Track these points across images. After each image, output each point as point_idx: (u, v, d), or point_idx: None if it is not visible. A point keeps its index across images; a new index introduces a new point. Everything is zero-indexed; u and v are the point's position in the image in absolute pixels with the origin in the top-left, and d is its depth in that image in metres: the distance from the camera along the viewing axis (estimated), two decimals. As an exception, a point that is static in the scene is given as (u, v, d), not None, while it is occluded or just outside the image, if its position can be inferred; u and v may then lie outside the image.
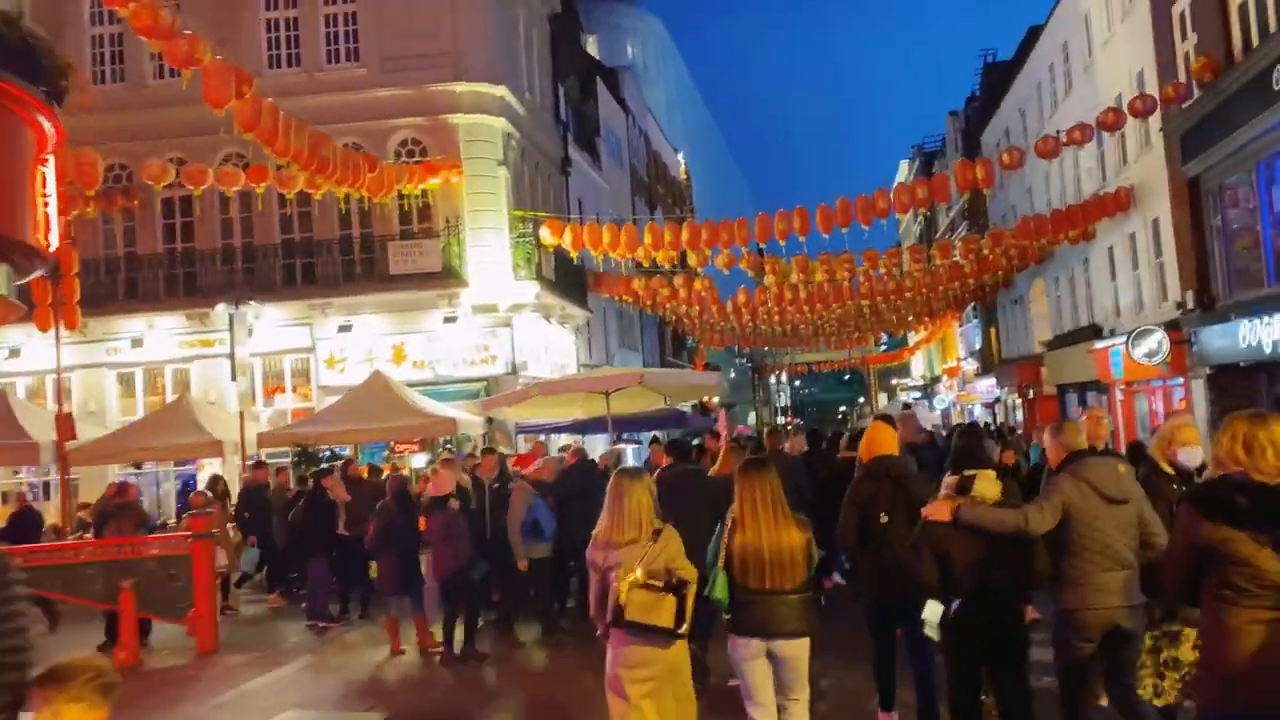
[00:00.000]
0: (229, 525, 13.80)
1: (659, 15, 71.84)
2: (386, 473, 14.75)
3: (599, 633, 5.12)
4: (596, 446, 18.55)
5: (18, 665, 3.12)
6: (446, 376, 20.36)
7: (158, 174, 14.68)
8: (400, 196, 18.19)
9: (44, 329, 14.40)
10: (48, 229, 6.59)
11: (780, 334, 34.41)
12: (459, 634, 9.50)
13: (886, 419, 7.28)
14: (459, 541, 9.44)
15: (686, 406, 22.18)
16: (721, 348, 43.58)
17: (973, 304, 37.66)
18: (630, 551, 4.94)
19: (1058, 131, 17.47)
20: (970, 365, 45.86)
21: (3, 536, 12.97)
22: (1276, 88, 12.84)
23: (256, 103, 11.39)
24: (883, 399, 67.74)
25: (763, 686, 5.23)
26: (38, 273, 7.46)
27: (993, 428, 26.87)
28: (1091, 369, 22.36)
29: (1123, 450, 11.60)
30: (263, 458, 16.30)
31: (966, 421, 30.56)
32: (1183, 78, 16.26)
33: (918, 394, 62.48)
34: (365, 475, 13.94)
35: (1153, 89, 17.25)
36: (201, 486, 19.40)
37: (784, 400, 76.34)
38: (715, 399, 33.11)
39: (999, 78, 33.84)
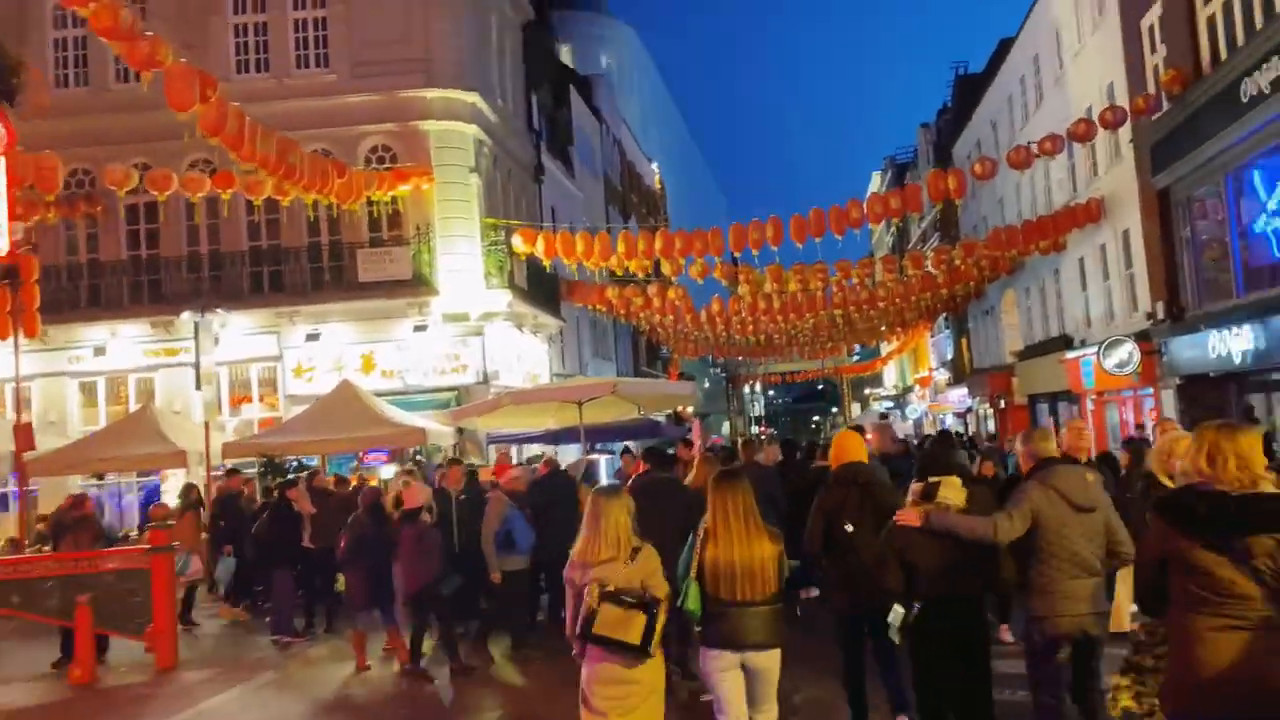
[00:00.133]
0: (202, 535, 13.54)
1: (633, 26, 71.93)
2: (354, 484, 14.52)
3: (575, 650, 5.07)
4: (569, 457, 18.38)
5: None
6: (416, 386, 20.14)
7: (120, 179, 14.39)
8: (370, 203, 18.00)
9: (3, 336, 14.10)
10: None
11: (754, 344, 34.41)
12: (427, 647, 9.28)
13: (858, 429, 7.27)
14: (430, 556, 9.21)
15: (660, 416, 22.11)
16: (696, 357, 43.52)
17: (944, 314, 37.86)
18: (607, 570, 4.93)
19: (1029, 142, 17.55)
20: (942, 375, 46.11)
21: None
22: (1244, 100, 12.93)
23: (221, 106, 11.17)
24: (856, 409, 68.05)
25: (735, 699, 5.19)
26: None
27: (965, 438, 26.95)
28: (1062, 379, 22.48)
29: (1093, 459, 11.59)
30: (230, 468, 15.99)
31: (938, 431, 30.63)
32: (1152, 90, 16.39)
33: (890, 404, 62.81)
34: (332, 486, 13.67)
35: (1123, 101, 17.37)
36: (167, 497, 19.08)
37: (758, 410, 76.48)
38: (689, 409, 32.99)
39: (970, 90, 34.08)
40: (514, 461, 16.73)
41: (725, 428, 59.49)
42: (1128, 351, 17.18)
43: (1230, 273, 14.78)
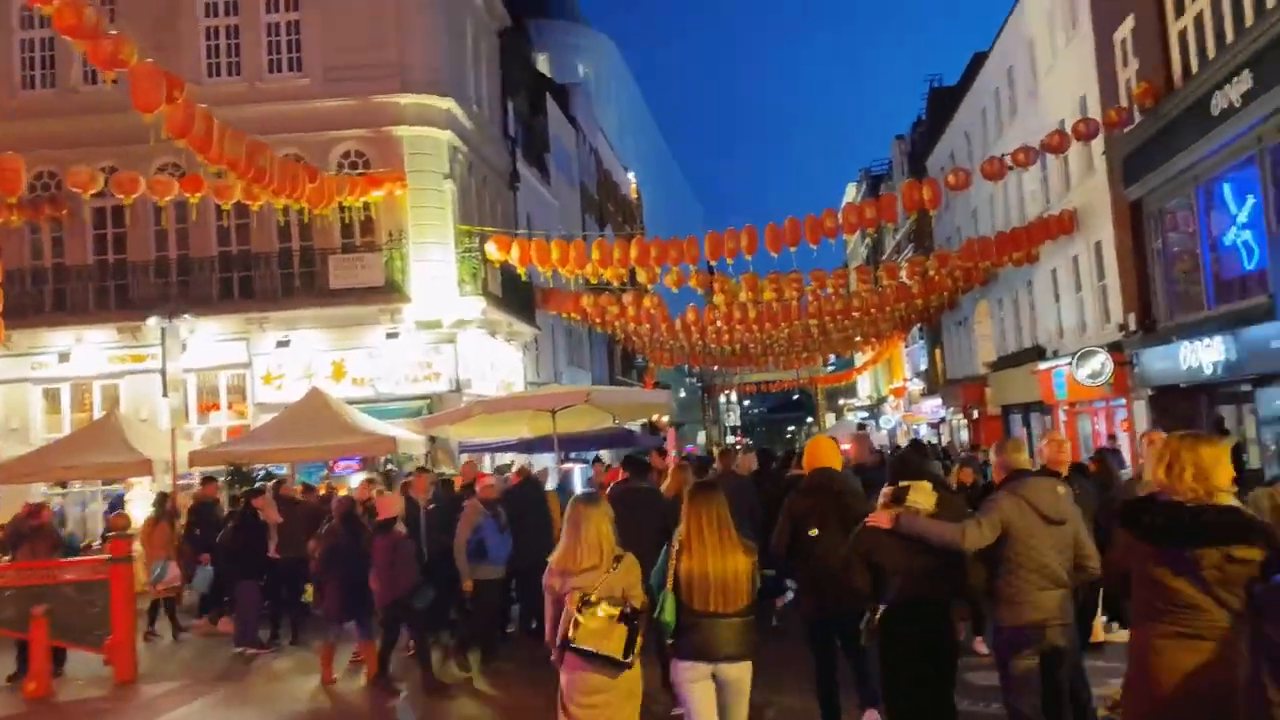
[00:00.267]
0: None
1: (611, 36, 72.03)
2: (322, 493, 14.29)
3: (553, 657, 5.08)
4: (541, 466, 18.20)
5: None
6: (388, 394, 19.90)
7: (85, 181, 14.07)
8: (342, 209, 17.74)
9: (-38, 341, 13.74)
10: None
11: (729, 353, 34.40)
12: (389, 663, 9.09)
13: (832, 439, 7.30)
14: (405, 567, 9.00)
15: (635, 425, 21.95)
16: (671, 366, 43.51)
17: (918, 325, 38.04)
18: (589, 578, 4.93)
19: (1003, 154, 17.63)
20: (916, 386, 46.32)
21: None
22: (1215, 113, 13.03)
23: (188, 108, 10.95)
24: (830, 419, 68.21)
25: (706, 711, 5.18)
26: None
27: (939, 448, 27.03)
28: (1035, 390, 22.59)
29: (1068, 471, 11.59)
30: (206, 475, 15.68)
31: (910, 440, 30.72)
32: (1125, 103, 16.51)
33: (864, 414, 63.02)
34: (299, 495, 13.44)
35: (1095, 113, 17.48)
36: (131, 507, 18.70)
37: (733, 420, 76.45)
38: (664, 418, 32.93)
39: (945, 103, 34.30)
40: (478, 470, 16.53)
41: (701, 437, 59.45)
42: (1100, 362, 17.26)
43: (1201, 285, 14.88)
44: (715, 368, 45.55)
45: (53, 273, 20.06)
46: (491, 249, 19.02)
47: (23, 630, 9.93)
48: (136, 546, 12.30)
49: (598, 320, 25.71)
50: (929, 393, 42.11)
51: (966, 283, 25.86)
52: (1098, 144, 17.90)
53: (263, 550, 11.74)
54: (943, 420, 40.17)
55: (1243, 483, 4.56)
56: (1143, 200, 16.46)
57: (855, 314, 27.72)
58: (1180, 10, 14.87)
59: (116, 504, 18.67)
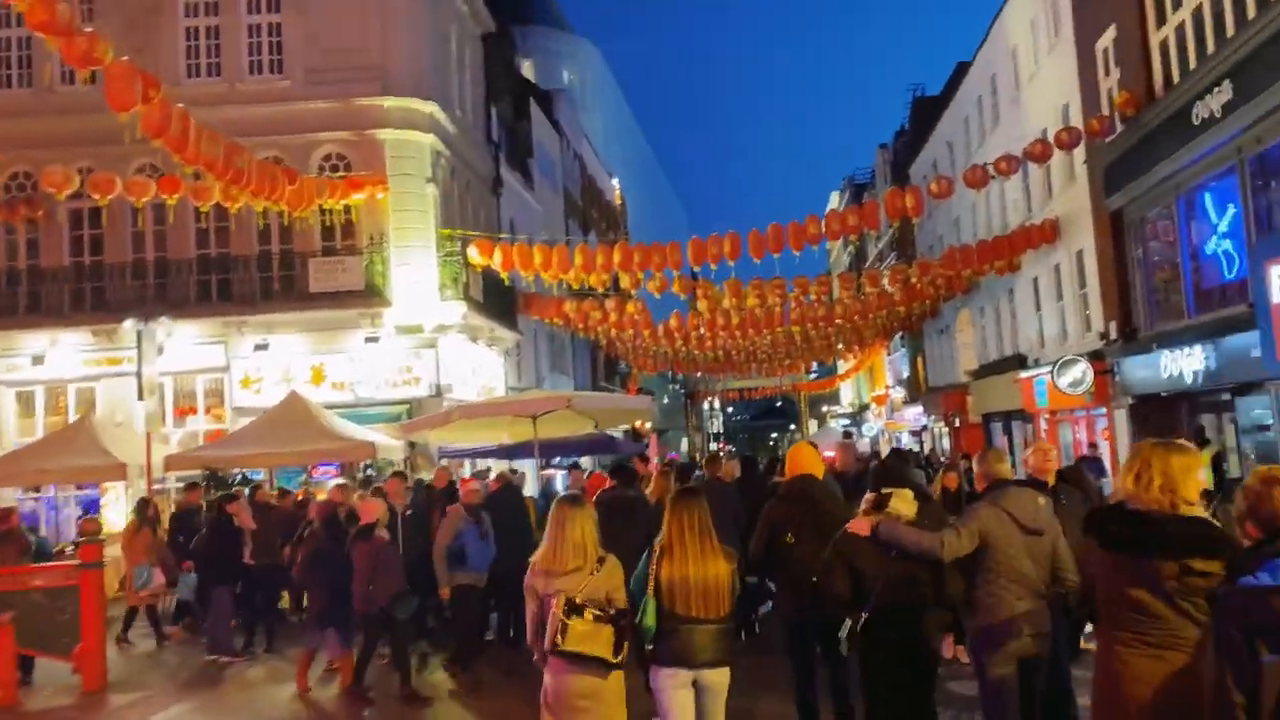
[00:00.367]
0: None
1: (596, 42, 71.99)
2: (299, 498, 14.11)
3: (535, 658, 5.07)
4: (522, 471, 18.03)
5: None
6: (367, 399, 19.72)
7: (59, 181, 13.89)
8: (322, 212, 17.59)
9: (-68, 343, 13.51)
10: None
11: (713, 359, 34.35)
12: (365, 672, 8.93)
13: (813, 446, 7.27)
14: (385, 575, 8.76)
15: (617, 432, 21.85)
16: (655, 372, 43.38)
17: (901, 333, 38.10)
18: (573, 580, 4.93)
19: (985, 163, 17.66)
20: (898, 393, 46.38)
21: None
22: (1196, 123, 13.09)
23: (165, 107, 10.81)
24: (813, 426, 68.25)
25: (684, 717, 5.14)
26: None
27: (921, 456, 27.04)
28: (1016, 398, 22.63)
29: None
30: (190, 482, 15.47)
31: (892, 448, 30.74)
32: (1106, 112, 16.58)
33: (847, 421, 63.05)
34: (275, 501, 13.26)
35: (1078, 122, 17.55)
36: (106, 511, 18.47)
37: (717, 426, 76.40)
38: (647, 424, 32.82)
39: (928, 112, 34.43)
40: (453, 476, 16.37)
41: (684, 444, 59.35)
42: (1081, 371, 17.30)
43: (1181, 294, 14.94)
44: (698, 374, 45.45)
45: (27, 274, 19.78)
46: (474, 253, 18.92)
47: (-11, 637, 9.72)
48: (110, 552, 12.11)
49: (580, 326, 25.60)
50: (911, 400, 42.16)
51: (948, 291, 25.92)
52: (1079, 153, 17.97)
53: (237, 556, 11.57)
54: (924, 428, 40.23)
55: (1223, 491, 4.54)
56: (1124, 209, 16.52)
57: (838, 321, 27.77)
58: (1162, 20, 14.95)
59: (92, 509, 18.46)
